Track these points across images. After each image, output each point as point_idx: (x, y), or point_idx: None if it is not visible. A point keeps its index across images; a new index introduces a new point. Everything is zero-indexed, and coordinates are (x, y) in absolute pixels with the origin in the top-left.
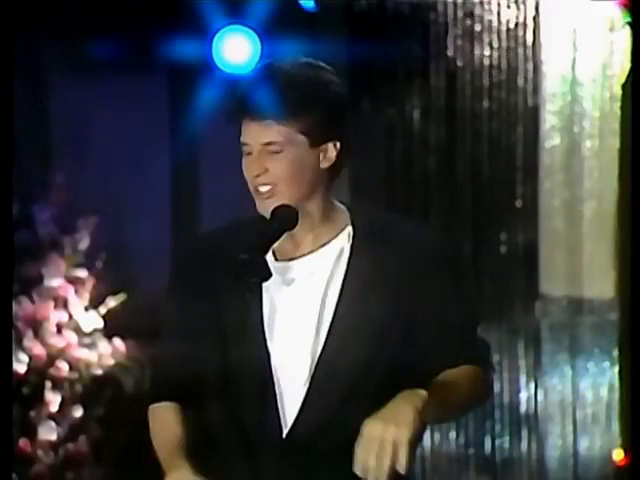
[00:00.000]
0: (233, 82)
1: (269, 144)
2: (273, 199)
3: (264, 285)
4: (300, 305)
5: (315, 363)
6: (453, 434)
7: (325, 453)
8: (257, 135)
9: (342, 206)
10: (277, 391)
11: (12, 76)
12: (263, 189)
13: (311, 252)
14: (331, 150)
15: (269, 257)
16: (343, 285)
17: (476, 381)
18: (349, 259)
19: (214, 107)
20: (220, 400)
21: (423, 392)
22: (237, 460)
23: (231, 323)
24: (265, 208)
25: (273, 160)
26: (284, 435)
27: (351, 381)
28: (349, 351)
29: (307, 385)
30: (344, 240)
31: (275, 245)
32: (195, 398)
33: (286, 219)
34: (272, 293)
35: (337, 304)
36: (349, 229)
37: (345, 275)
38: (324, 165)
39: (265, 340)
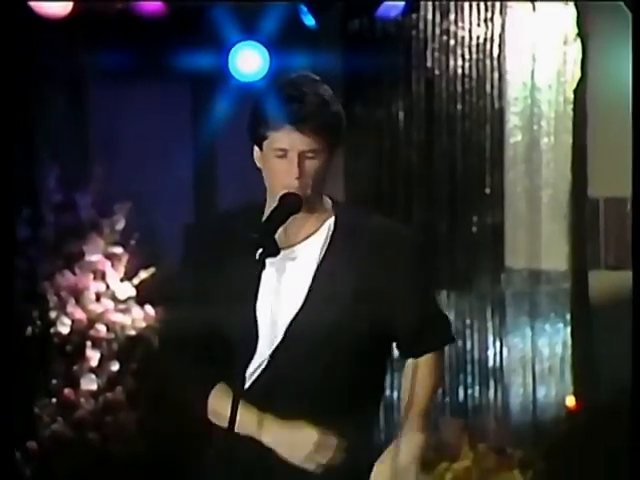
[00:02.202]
0: (280, 91)
1: (308, 151)
2: (303, 200)
3: (267, 262)
4: (287, 281)
5: (287, 326)
6: None
7: (285, 402)
8: (298, 142)
9: (327, 199)
10: (258, 346)
11: (12, 82)
12: (294, 188)
13: (302, 241)
14: (336, 154)
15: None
16: (319, 268)
17: (436, 371)
18: (328, 246)
19: (229, 110)
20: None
21: (420, 436)
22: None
23: (233, 290)
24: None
25: (308, 166)
26: (247, 386)
27: (316, 342)
28: (316, 319)
29: (278, 342)
30: (326, 230)
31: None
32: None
33: (292, 205)
34: (272, 270)
35: (312, 281)
36: (331, 221)
37: (322, 260)
38: (329, 165)
39: (255, 307)
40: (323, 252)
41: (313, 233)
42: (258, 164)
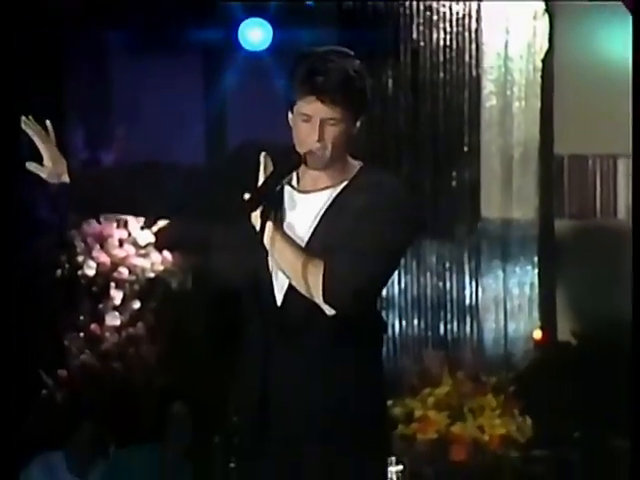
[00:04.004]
0: (306, 64)
1: (329, 119)
2: (323, 159)
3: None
4: (298, 223)
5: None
6: (416, 320)
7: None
8: (320, 111)
9: (354, 162)
10: (273, 278)
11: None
12: (317, 151)
13: (317, 191)
14: (359, 121)
15: (291, 188)
16: (325, 213)
17: (312, 270)
18: (334, 199)
19: (237, 76)
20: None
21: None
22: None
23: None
24: (316, 165)
25: (329, 131)
26: (279, 304)
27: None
28: (320, 253)
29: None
30: (338, 189)
31: (299, 182)
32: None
33: (293, 163)
34: (284, 211)
35: (317, 226)
36: (346, 182)
37: (325, 211)
38: (355, 132)
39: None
40: (329, 203)
41: (327, 187)
42: (290, 123)
